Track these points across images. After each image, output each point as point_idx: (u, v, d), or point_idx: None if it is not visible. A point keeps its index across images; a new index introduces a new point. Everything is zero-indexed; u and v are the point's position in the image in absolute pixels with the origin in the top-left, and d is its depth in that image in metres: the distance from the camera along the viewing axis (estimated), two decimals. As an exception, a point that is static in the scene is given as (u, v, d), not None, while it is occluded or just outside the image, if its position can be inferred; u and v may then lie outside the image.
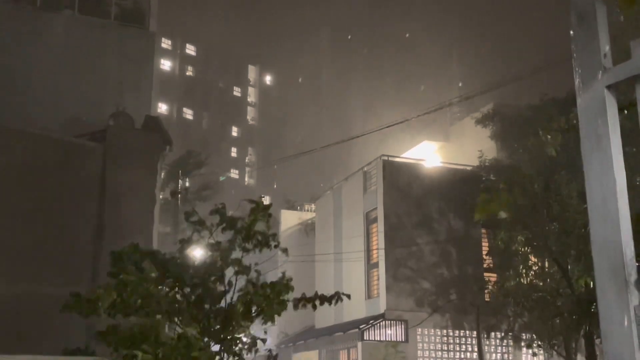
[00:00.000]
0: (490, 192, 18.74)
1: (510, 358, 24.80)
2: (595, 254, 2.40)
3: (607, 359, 2.23)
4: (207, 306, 8.71)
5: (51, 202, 16.91)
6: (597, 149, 2.43)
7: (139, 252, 8.26)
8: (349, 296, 9.47)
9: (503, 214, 18.11)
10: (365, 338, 23.43)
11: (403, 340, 23.49)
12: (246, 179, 77.85)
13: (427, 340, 24.16)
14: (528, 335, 22.47)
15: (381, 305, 24.19)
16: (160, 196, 23.29)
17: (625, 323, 2.23)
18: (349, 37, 76.01)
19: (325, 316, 27.83)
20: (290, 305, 9.70)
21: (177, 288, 8.56)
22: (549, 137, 18.66)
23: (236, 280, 8.88)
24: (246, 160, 79.67)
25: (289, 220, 35.08)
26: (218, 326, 8.53)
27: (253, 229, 8.68)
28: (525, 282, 21.14)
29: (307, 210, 37.91)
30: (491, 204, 17.49)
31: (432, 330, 24.21)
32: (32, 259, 16.05)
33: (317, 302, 9.22)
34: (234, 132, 78.98)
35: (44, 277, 15.48)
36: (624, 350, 2.23)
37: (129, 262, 8.09)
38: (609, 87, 2.45)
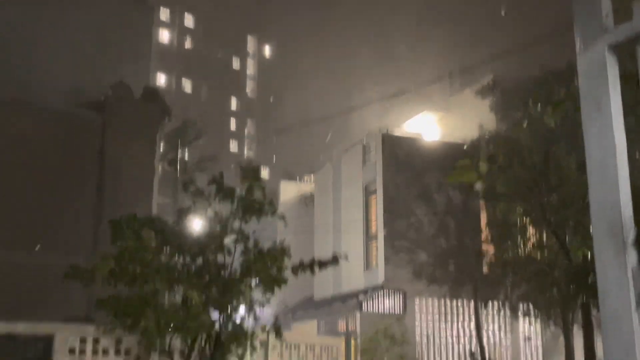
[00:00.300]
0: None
1: (507, 328, 25.02)
2: (594, 215, 2.41)
3: (603, 320, 2.25)
4: (206, 275, 8.77)
5: (51, 173, 16.93)
6: (596, 110, 2.42)
7: (138, 221, 8.28)
8: (346, 257, 9.53)
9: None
10: (363, 308, 23.60)
11: (401, 310, 23.67)
12: (245, 151, 77.73)
13: (425, 310, 24.35)
14: (525, 306, 22.65)
15: (380, 276, 24.34)
16: (160, 167, 23.28)
17: (623, 284, 2.24)
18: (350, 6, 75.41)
19: (324, 287, 28.02)
20: (289, 278, 9.76)
21: (176, 257, 8.61)
22: (549, 108, 18.62)
23: (235, 249, 8.92)
24: (245, 133, 79.53)
25: (288, 191, 35.11)
26: (218, 294, 8.59)
27: (250, 197, 8.70)
28: (523, 254, 21.25)
29: (307, 182, 37.94)
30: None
31: (430, 301, 24.39)
32: (32, 228, 16.11)
33: (316, 268, 9.27)
34: (233, 104, 78.71)
35: (45, 246, 15.56)
36: (621, 311, 2.25)
37: (128, 231, 8.11)
38: (610, 47, 2.44)
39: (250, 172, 8.94)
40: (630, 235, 2.15)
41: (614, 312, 2.02)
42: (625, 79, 2.46)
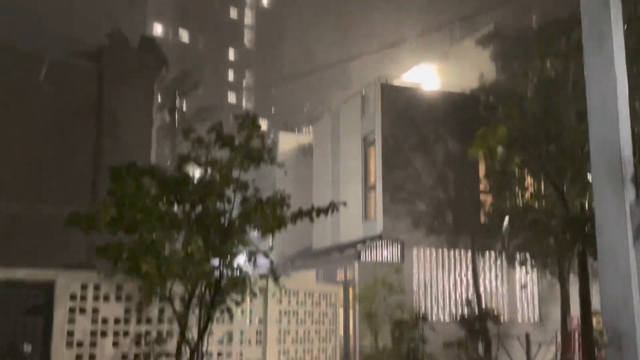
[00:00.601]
0: (489, 125, 18.75)
1: (504, 277, 25.29)
2: (593, 152, 2.41)
3: (600, 255, 2.27)
4: (206, 222, 8.80)
5: (49, 123, 16.88)
6: (599, 47, 2.40)
7: (138, 168, 8.27)
8: (345, 204, 9.56)
9: (500, 150, 18.16)
10: (361, 258, 23.79)
11: (399, 260, 23.88)
12: (244, 103, 77.34)
13: (423, 260, 24.56)
14: (522, 255, 22.87)
15: (378, 227, 24.47)
16: (158, 117, 23.19)
17: (621, 219, 2.25)
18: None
19: (322, 237, 28.21)
20: (288, 227, 9.81)
21: (176, 204, 8.63)
22: (549, 58, 18.49)
23: (234, 197, 8.93)
24: (243, 84, 78.98)
25: (287, 142, 35.04)
26: (217, 242, 8.64)
27: (250, 145, 8.69)
28: (520, 204, 21.35)
29: (305, 133, 37.85)
30: (489, 139, 17.52)
31: (428, 251, 24.59)
32: (31, 178, 16.13)
33: (315, 215, 9.30)
34: (231, 55, 77.96)
35: (44, 196, 15.60)
36: (618, 245, 2.26)
37: (127, 178, 8.11)
38: (613, -17, 2.40)
39: (248, 121, 8.90)
40: (630, 171, 2.16)
41: (611, 247, 2.04)
42: (630, 22, 2.43)
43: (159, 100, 28.27)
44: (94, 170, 16.37)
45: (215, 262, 8.64)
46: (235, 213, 8.91)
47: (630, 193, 2.11)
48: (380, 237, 24.05)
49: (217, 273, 8.56)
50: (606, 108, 2.27)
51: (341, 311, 21.05)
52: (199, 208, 8.76)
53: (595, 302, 16.33)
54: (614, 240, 2.08)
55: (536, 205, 20.71)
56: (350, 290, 23.82)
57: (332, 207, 9.28)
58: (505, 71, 23.51)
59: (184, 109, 35.34)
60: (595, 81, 2.34)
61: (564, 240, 17.85)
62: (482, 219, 24.00)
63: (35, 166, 16.31)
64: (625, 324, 1.96)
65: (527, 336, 20.05)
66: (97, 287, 8.49)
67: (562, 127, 17.74)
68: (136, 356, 8.48)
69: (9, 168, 15.91)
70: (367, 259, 23.82)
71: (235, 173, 8.92)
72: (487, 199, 23.89)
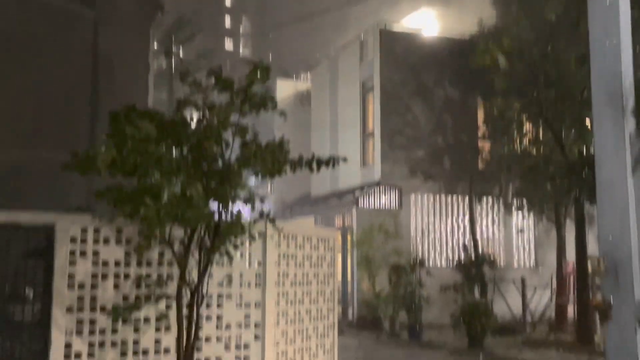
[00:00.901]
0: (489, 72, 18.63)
1: (501, 222, 25.51)
2: (594, 83, 2.40)
3: (598, 186, 2.28)
4: (205, 166, 8.80)
5: (44, 69, 16.72)
6: (602, -22, 2.36)
7: (137, 112, 8.22)
8: (345, 159, 9.54)
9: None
10: (359, 204, 23.94)
11: (397, 206, 24.02)
12: (241, 49, 76.63)
13: (420, 206, 24.72)
14: (519, 201, 23.01)
15: (376, 173, 24.56)
16: (154, 63, 22.99)
17: (620, 150, 2.25)
18: None
19: (321, 184, 28.32)
20: (288, 175, 9.82)
21: (175, 147, 8.60)
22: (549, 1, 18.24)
23: (233, 141, 8.91)
24: (240, 31, 78.09)
25: (285, 89, 34.85)
26: (216, 185, 8.65)
27: (251, 89, 8.61)
28: (519, 150, 21.39)
29: (303, 80, 37.60)
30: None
31: (426, 197, 24.72)
32: (29, 125, 16.08)
33: (315, 165, 9.28)
34: (227, 0, 76.88)
35: (41, 143, 15.56)
36: (616, 177, 2.27)
37: (126, 122, 8.06)
38: None
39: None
40: (630, 102, 2.14)
41: (610, 177, 2.04)
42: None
43: (155, 47, 28.01)
44: (91, 115, 16.30)
45: (214, 206, 8.66)
46: (233, 157, 8.90)
47: (630, 124, 2.10)
48: (378, 184, 24.15)
49: (216, 217, 8.59)
50: (608, 38, 2.24)
51: (339, 256, 21.30)
52: (196, 151, 8.74)
53: (591, 248, 16.50)
54: (612, 171, 2.08)
55: (534, 151, 20.74)
56: (349, 236, 24.04)
57: (333, 160, 9.24)
58: (505, 16, 23.21)
59: (181, 54, 35.02)
60: (597, 12, 2.30)
61: (561, 186, 17.94)
62: (480, 165, 24.08)
63: (33, 112, 16.23)
64: (621, 253, 1.97)
65: (523, 280, 20.32)
66: (97, 231, 8.53)
67: (562, 72, 17.63)
68: (137, 298, 8.59)
69: (6, 115, 15.84)
70: (365, 205, 23.97)
71: (234, 117, 8.87)
72: (485, 145, 23.92)
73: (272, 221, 9.21)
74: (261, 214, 9.43)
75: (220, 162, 8.76)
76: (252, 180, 10.69)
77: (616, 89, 1.98)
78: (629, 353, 1.74)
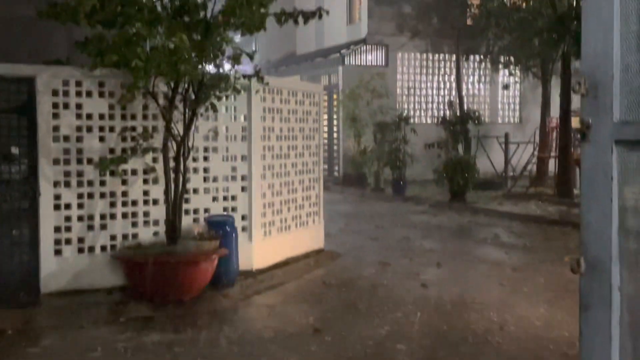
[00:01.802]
0: None
1: (487, 80, 25.44)
2: None
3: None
4: (186, 18, 8.60)
5: None
6: None
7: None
8: (327, 12, 9.32)
9: None
10: (346, 62, 23.66)
11: (383, 64, 23.78)
12: None
13: (407, 64, 24.49)
14: (506, 58, 22.82)
15: (362, 30, 24.09)
16: None
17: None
18: None
19: (306, 42, 27.80)
20: (272, 31, 9.61)
21: (155, -2, 8.35)
22: None
23: (215, -9, 8.65)
24: None
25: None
26: (200, 37, 8.49)
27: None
28: (508, 3, 20.94)
29: None
30: None
31: (412, 54, 24.44)
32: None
33: (300, 18, 9.08)
34: None
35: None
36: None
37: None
38: None
39: None
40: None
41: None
42: None
43: None
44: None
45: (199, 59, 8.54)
46: (217, 8, 8.69)
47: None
48: (364, 41, 23.75)
49: (199, 69, 8.50)
50: None
51: (325, 113, 21.32)
52: (179, 0, 8.51)
53: (575, 104, 16.58)
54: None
55: (523, 4, 20.32)
56: (335, 95, 23.95)
57: (319, 11, 9.02)
58: None
59: None
60: None
61: (549, 40, 17.72)
62: (468, 20, 23.64)
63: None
64: (602, 73, 1.96)
65: (506, 136, 20.56)
66: (79, 84, 8.41)
67: None
68: (123, 150, 8.63)
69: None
70: (351, 63, 23.69)
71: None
72: (473, 0, 23.36)
73: (259, 78, 9.16)
74: (246, 73, 9.35)
75: (203, 13, 8.56)
76: (237, 38, 10.49)
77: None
78: (605, 173, 1.80)
